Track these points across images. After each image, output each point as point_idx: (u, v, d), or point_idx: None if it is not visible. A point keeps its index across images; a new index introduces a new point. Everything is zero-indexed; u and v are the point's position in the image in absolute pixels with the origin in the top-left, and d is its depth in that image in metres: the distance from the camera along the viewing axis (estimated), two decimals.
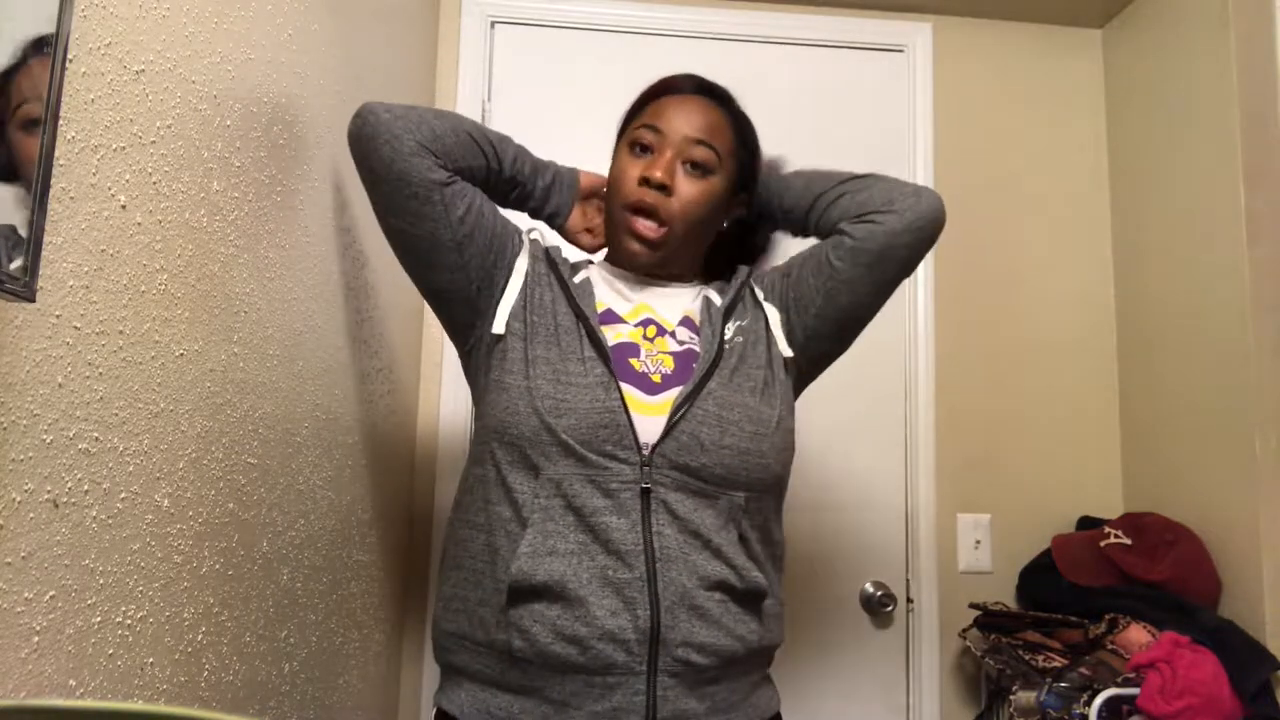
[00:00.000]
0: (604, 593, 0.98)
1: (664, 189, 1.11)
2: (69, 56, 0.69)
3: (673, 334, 1.16)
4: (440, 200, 1.09)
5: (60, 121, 0.66)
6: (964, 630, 1.99)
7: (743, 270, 1.25)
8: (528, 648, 0.99)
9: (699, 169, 1.14)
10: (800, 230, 1.28)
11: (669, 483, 1.03)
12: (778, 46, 2.26)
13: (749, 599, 1.06)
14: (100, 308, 0.76)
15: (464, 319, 1.18)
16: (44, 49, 0.61)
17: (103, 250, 0.76)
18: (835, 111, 2.23)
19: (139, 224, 0.82)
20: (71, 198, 0.71)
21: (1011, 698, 1.72)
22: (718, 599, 1.02)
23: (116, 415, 0.79)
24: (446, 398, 2.04)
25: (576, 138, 2.18)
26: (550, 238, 1.30)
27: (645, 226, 1.13)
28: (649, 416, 1.06)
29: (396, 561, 1.92)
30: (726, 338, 1.14)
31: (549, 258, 1.21)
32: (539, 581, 0.99)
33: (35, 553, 0.68)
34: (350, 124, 1.13)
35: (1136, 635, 1.68)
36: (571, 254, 1.28)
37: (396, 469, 1.88)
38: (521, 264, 1.17)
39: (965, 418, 2.17)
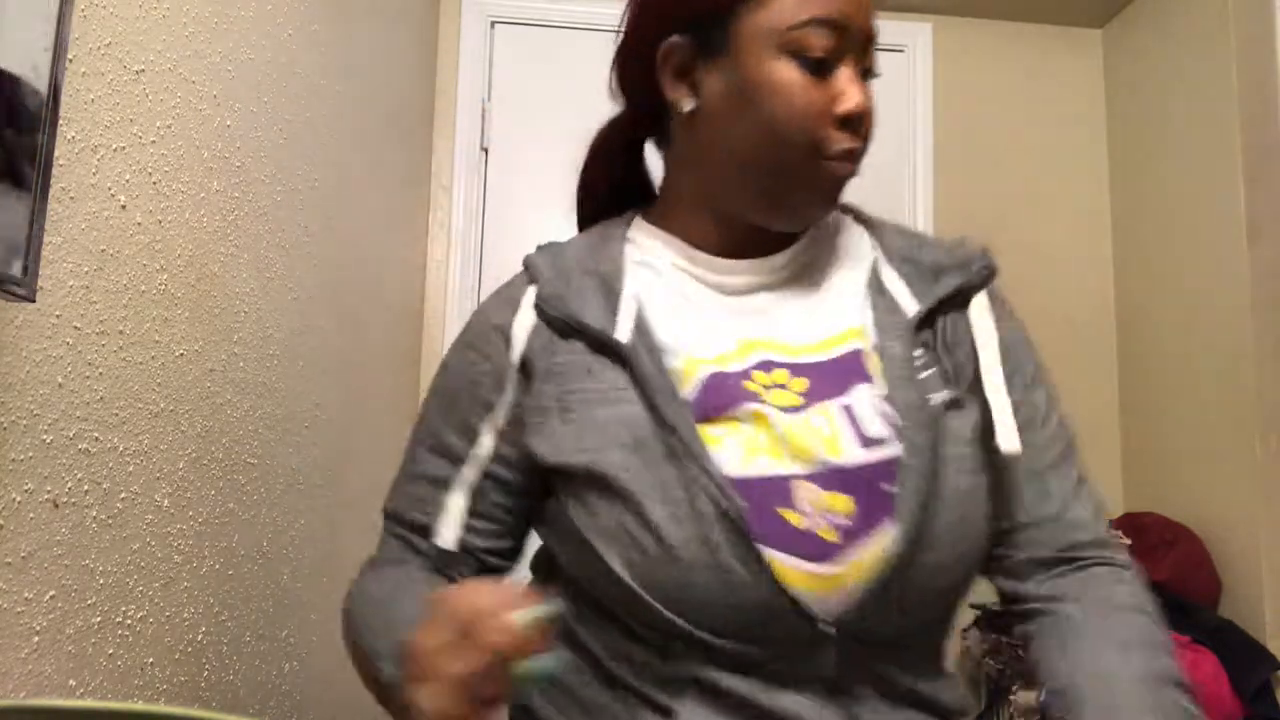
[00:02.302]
0: None
1: (861, 117, 0.70)
2: (69, 56, 0.69)
3: (841, 395, 0.69)
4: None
5: (60, 121, 0.66)
6: (964, 630, 1.99)
7: (978, 255, 0.78)
8: None
9: (869, 74, 0.74)
10: None
11: (865, 674, 0.67)
12: None
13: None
14: (100, 308, 0.76)
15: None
16: None
17: (103, 250, 0.76)
18: None
19: (139, 224, 0.82)
20: (71, 198, 0.71)
21: (1011, 698, 1.72)
22: None
23: (116, 415, 0.79)
24: None
25: (576, 138, 2.18)
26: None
27: (850, 170, 0.72)
28: (827, 594, 0.64)
29: None
30: (919, 375, 0.70)
31: (549, 321, 0.73)
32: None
33: (35, 553, 0.68)
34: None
35: None
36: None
37: (396, 469, 1.88)
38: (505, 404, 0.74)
39: None
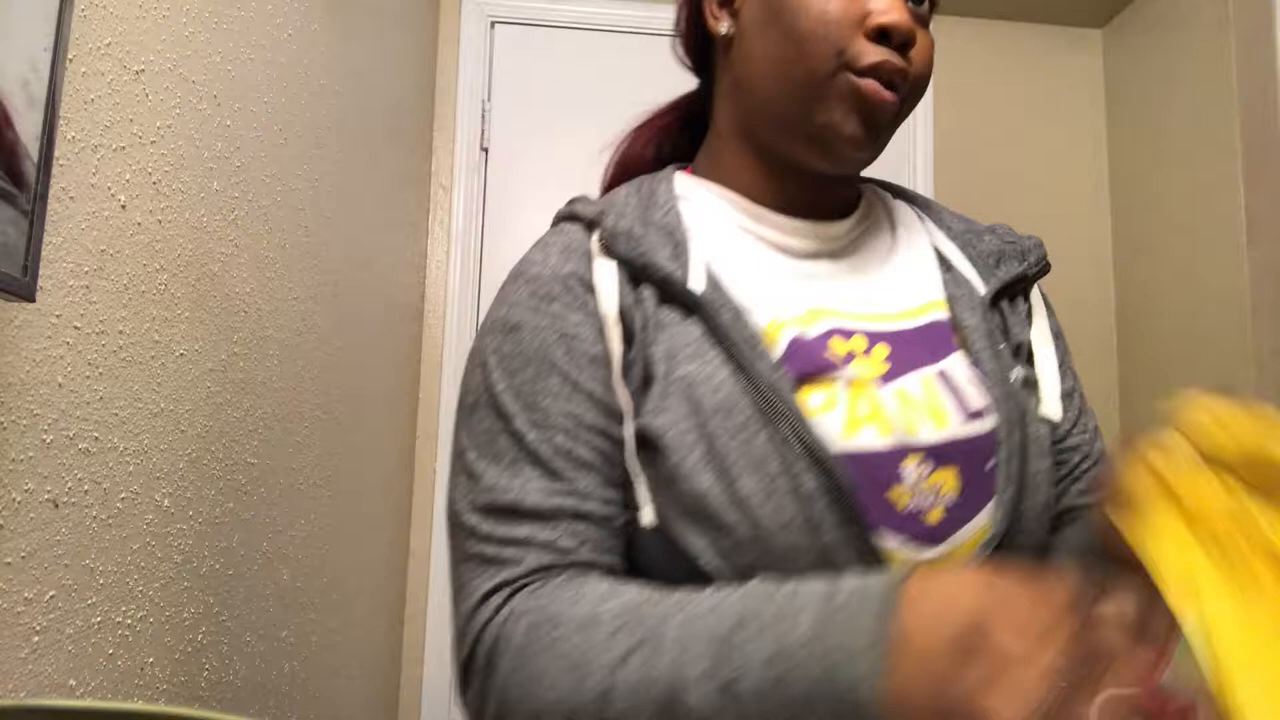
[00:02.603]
0: None
1: (905, 47, 0.64)
2: (69, 56, 0.69)
3: (936, 360, 0.65)
4: None
5: (60, 121, 0.66)
6: None
7: (1035, 245, 0.77)
8: None
9: (926, 6, 0.67)
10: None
11: None
12: None
13: None
14: (100, 308, 0.76)
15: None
16: None
17: (103, 250, 0.76)
18: None
19: (139, 224, 0.82)
20: (71, 198, 0.71)
21: None
22: None
23: (116, 415, 0.79)
24: (446, 397, 2.04)
25: (576, 138, 2.18)
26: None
27: (885, 94, 0.63)
28: None
29: (397, 561, 1.92)
30: (1007, 370, 0.66)
31: (627, 265, 0.65)
32: None
33: (35, 553, 0.68)
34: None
35: None
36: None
37: (396, 469, 1.88)
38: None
39: None
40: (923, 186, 2.22)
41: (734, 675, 0.48)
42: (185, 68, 0.90)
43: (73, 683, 0.73)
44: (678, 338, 0.61)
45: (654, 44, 2.22)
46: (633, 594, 0.55)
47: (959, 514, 0.60)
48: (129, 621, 0.82)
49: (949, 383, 0.63)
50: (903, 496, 0.59)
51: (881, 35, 0.63)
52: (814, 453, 0.57)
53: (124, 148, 0.79)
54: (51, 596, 0.70)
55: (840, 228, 0.70)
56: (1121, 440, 0.54)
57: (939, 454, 0.60)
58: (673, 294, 0.62)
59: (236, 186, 1.03)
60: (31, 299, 0.63)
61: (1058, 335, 0.76)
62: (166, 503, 0.88)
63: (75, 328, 0.73)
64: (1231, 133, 1.83)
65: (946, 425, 0.61)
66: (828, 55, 0.63)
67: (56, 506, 0.71)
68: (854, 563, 0.57)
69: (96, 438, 0.76)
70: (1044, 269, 0.76)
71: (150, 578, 0.85)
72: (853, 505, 0.57)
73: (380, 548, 1.76)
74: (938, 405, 0.62)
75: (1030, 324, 0.73)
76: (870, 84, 0.62)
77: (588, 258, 0.65)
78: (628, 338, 0.62)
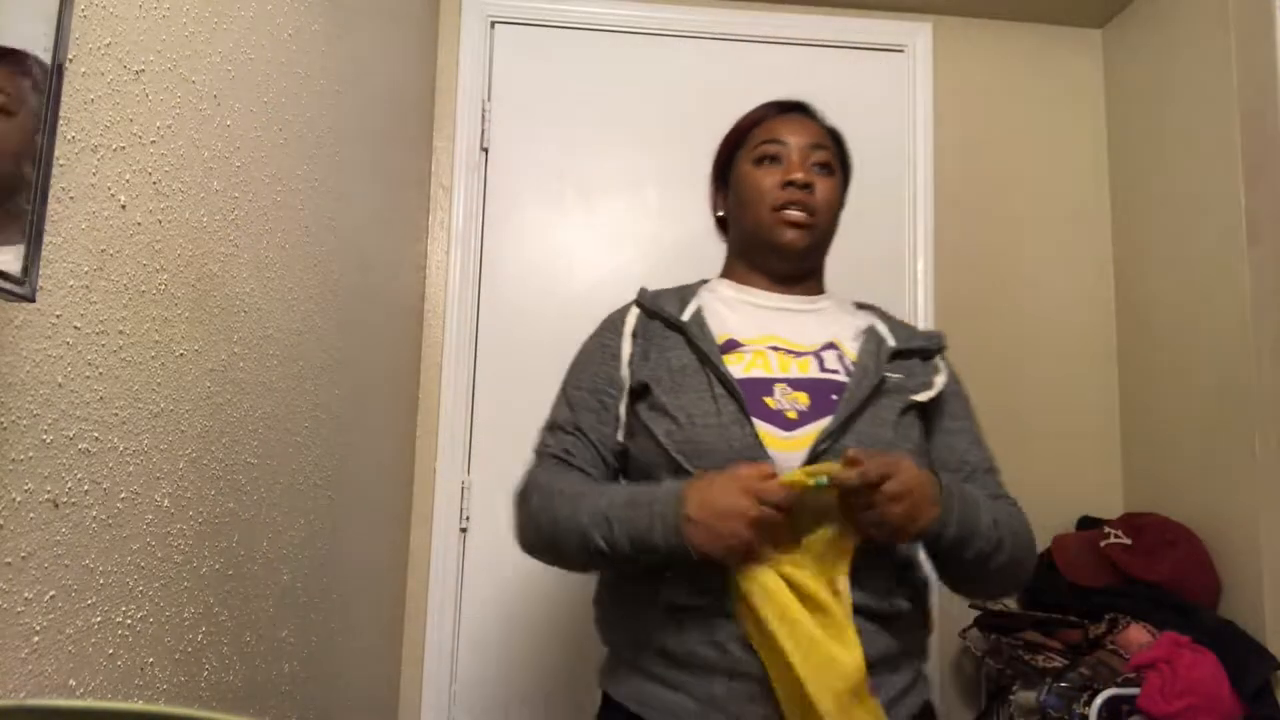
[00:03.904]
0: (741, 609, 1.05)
1: (808, 187, 1.19)
2: (69, 56, 0.69)
3: (816, 356, 1.16)
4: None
5: (60, 121, 0.66)
6: (964, 630, 1.99)
7: (938, 337, 1.25)
8: (678, 647, 1.07)
9: (825, 168, 1.23)
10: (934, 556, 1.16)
11: None
12: (778, 46, 2.26)
13: (886, 619, 1.08)
14: (100, 308, 0.76)
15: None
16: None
17: (103, 250, 0.76)
18: (835, 111, 2.20)
19: (139, 224, 0.82)
20: (71, 198, 0.71)
21: (1011, 698, 1.72)
22: (855, 620, 1.03)
23: (116, 415, 0.79)
24: (446, 397, 2.05)
25: (576, 138, 2.18)
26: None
27: (796, 214, 1.18)
28: (786, 452, 1.06)
29: (397, 561, 1.92)
30: (887, 378, 1.13)
31: (647, 314, 1.23)
32: (682, 603, 1.07)
33: (35, 553, 0.68)
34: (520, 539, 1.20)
35: (1136, 635, 1.68)
36: (684, 276, 1.32)
37: (396, 469, 1.88)
38: (626, 354, 1.20)
39: None
40: (923, 187, 2.22)
41: (614, 520, 1.05)
42: (185, 68, 0.90)
43: (73, 683, 0.73)
44: (667, 343, 1.18)
45: (654, 44, 2.22)
46: (584, 485, 1.14)
47: (806, 417, 1.10)
48: (129, 621, 0.82)
49: (820, 360, 1.16)
50: (772, 402, 1.11)
51: (790, 185, 1.19)
52: (724, 378, 1.10)
53: (124, 148, 0.79)
54: (51, 596, 0.70)
55: (794, 300, 1.24)
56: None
57: (796, 384, 1.13)
58: (670, 323, 1.19)
59: (236, 186, 1.03)
60: (31, 299, 0.63)
61: (955, 393, 1.23)
62: (166, 503, 0.88)
63: (75, 328, 0.73)
64: (1231, 133, 1.83)
65: (806, 372, 1.14)
66: (764, 206, 1.20)
67: (56, 506, 0.71)
68: (743, 438, 1.07)
69: (96, 438, 0.76)
70: (940, 347, 1.24)
71: (150, 578, 0.85)
72: (742, 405, 1.08)
73: (380, 548, 1.76)
74: (806, 365, 1.15)
75: (933, 376, 1.20)
76: (792, 215, 1.19)
77: (625, 313, 1.25)
78: (637, 344, 1.20)
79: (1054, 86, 2.32)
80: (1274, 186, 1.72)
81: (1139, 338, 2.15)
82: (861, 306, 1.28)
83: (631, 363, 1.18)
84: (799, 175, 1.18)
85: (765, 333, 1.18)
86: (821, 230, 1.22)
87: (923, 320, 2.18)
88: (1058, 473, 2.17)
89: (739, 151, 1.28)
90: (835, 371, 1.14)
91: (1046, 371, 2.22)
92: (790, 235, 1.19)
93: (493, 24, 2.19)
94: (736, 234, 1.27)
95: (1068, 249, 2.26)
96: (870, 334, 1.20)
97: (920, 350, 1.21)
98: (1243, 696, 1.56)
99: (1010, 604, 2.07)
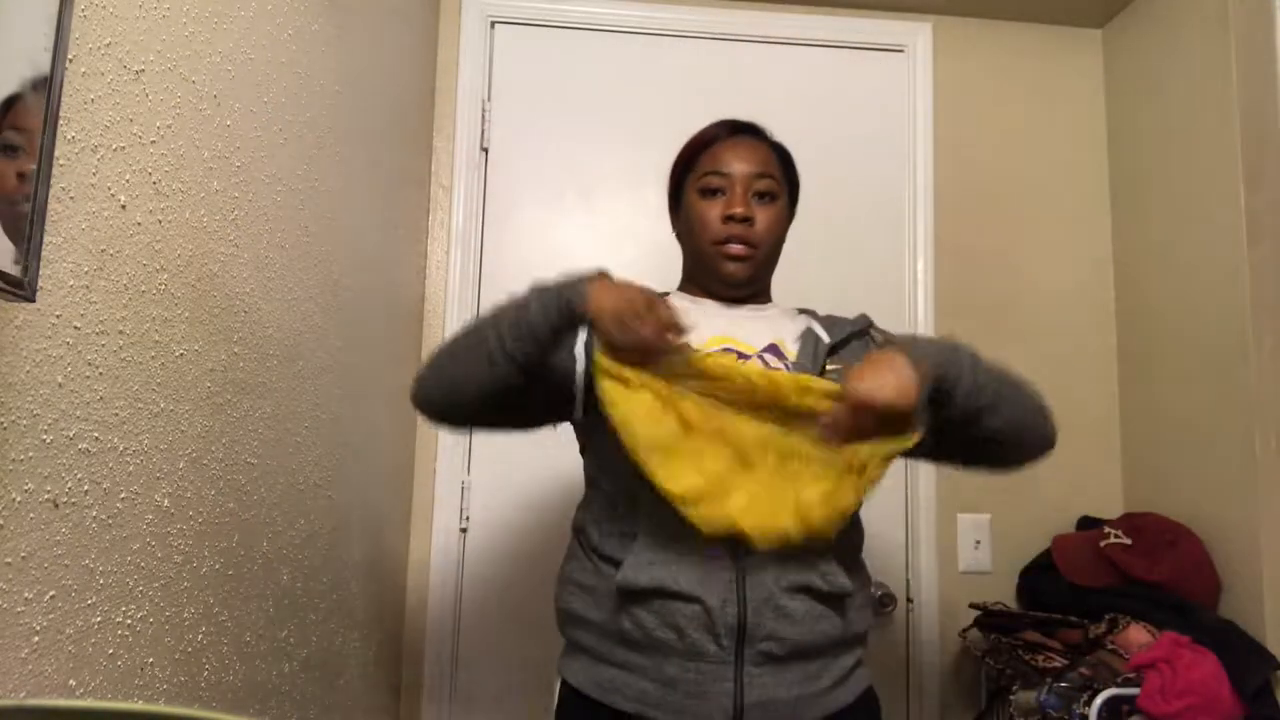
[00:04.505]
0: (698, 592, 1.12)
1: (748, 221, 1.27)
2: (69, 56, 0.69)
3: (760, 356, 1.25)
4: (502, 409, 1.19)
5: (60, 121, 0.66)
6: (964, 630, 1.99)
7: (863, 319, 1.34)
8: (635, 630, 1.14)
9: (767, 197, 1.30)
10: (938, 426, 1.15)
11: None
12: (778, 46, 2.26)
13: (832, 599, 1.16)
14: (100, 308, 0.76)
15: (559, 410, 1.24)
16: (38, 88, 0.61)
17: (103, 250, 0.76)
18: (835, 111, 2.23)
19: (139, 224, 0.82)
20: (71, 198, 0.71)
21: (1011, 698, 1.72)
22: (800, 599, 1.14)
23: (116, 415, 0.79)
24: None
25: (576, 138, 2.18)
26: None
27: (737, 248, 1.27)
28: None
29: (396, 561, 1.92)
30: (827, 370, 1.23)
31: None
32: (642, 585, 1.13)
33: (35, 553, 0.68)
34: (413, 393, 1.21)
35: (1136, 635, 1.68)
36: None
37: (396, 469, 1.88)
38: (579, 349, 1.20)
39: None
40: (922, 186, 2.22)
41: (514, 307, 1.11)
42: (185, 68, 0.90)
43: (73, 683, 0.73)
44: None
45: (654, 44, 2.22)
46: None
47: None
48: (129, 621, 0.82)
49: (763, 361, 1.23)
50: None
51: (730, 219, 1.27)
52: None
53: (124, 148, 0.79)
54: (51, 596, 0.70)
55: (742, 310, 1.33)
56: None
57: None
58: None
59: (236, 186, 1.03)
60: (31, 299, 0.63)
61: (887, 341, 1.30)
62: (166, 503, 0.88)
63: (75, 328, 0.73)
64: (1231, 133, 1.83)
65: (751, 353, 1.23)
66: (707, 238, 1.29)
67: (56, 506, 0.71)
68: None
69: (96, 438, 0.76)
70: (867, 325, 1.33)
71: (150, 578, 0.85)
72: None
73: (380, 548, 1.76)
74: (751, 364, 1.20)
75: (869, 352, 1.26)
76: (729, 248, 1.28)
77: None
78: None
79: (1054, 86, 2.32)
80: (1274, 186, 1.72)
81: (1139, 337, 2.15)
82: (802, 311, 1.37)
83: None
84: (739, 210, 1.26)
85: (717, 334, 1.27)
86: (762, 258, 1.30)
87: (923, 320, 2.18)
88: (1058, 473, 2.17)
89: (688, 176, 1.34)
90: (779, 370, 1.22)
91: (1046, 372, 2.20)
92: (731, 267, 1.28)
93: (493, 24, 2.19)
94: (686, 255, 1.36)
95: (1068, 249, 2.26)
96: (808, 335, 1.28)
97: (853, 335, 1.30)
98: (1243, 696, 1.56)
99: (1010, 604, 2.07)
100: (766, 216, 1.28)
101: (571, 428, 1.31)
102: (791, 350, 1.26)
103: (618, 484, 1.19)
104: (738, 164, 1.29)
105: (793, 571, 1.14)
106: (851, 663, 1.22)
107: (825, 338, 1.28)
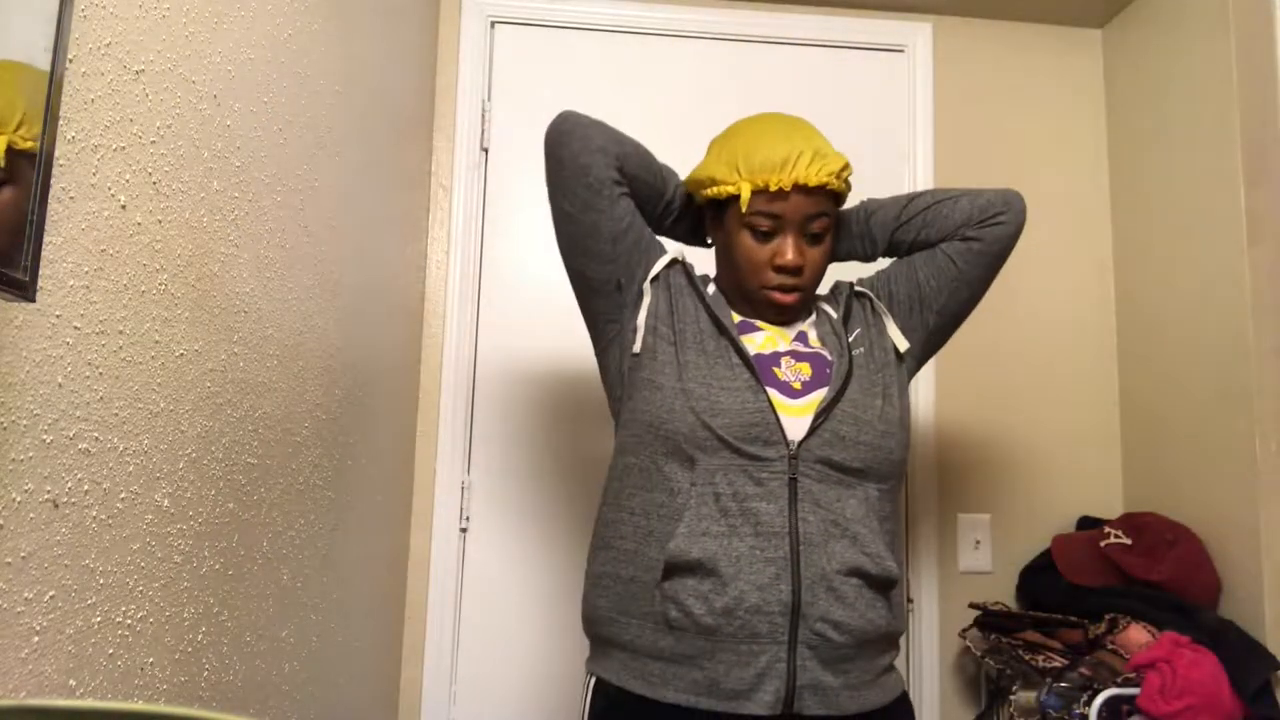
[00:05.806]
0: (751, 570, 1.11)
1: (798, 271, 1.23)
2: (69, 56, 0.69)
3: (797, 344, 1.28)
4: (609, 196, 1.23)
5: (60, 121, 0.66)
6: (964, 630, 1.99)
7: (844, 284, 1.36)
8: (682, 618, 1.12)
9: (819, 237, 1.25)
10: (888, 246, 1.37)
11: (814, 474, 1.16)
12: (778, 46, 2.26)
13: (881, 585, 1.17)
14: (100, 308, 0.76)
15: (606, 314, 1.29)
16: None
17: (103, 250, 0.76)
18: (835, 111, 2.23)
19: (139, 224, 0.82)
20: (71, 198, 0.71)
21: (1011, 698, 1.72)
22: (854, 583, 1.14)
23: (116, 415, 0.79)
24: (446, 397, 2.04)
25: None
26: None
27: (784, 297, 1.25)
28: (794, 417, 1.18)
29: (397, 561, 1.92)
30: (851, 343, 1.27)
31: (687, 273, 1.31)
32: (694, 559, 1.12)
33: (35, 553, 0.68)
34: (551, 123, 1.28)
35: (1136, 635, 1.68)
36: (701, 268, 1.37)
37: (396, 469, 1.88)
38: (659, 269, 1.28)
39: (965, 418, 2.17)
40: (923, 185, 2.22)
41: (676, 182, 1.37)
42: (185, 68, 0.90)
43: (73, 683, 0.73)
44: (687, 303, 1.28)
45: (654, 44, 2.22)
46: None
47: (809, 386, 1.22)
48: (129, 621, 0.82)
49: (807, 342, 1.28)
50: (780, 373, 1.23)
51: (781, 269, 1.23)
52: (741, 351, 1.21)
53: (124, 148, 0.79)
54: (51, 596, 0.70)
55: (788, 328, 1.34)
56: None
57: (799, 356, 1.25)
58: (698, 293, 1.29)
59: (236, 186, 1.03)
60: (31, 299, 0.63)
61: (886, 296, 1.36)
62: (166, 503, 0.88)
63: (75, 328, 0.73)
64: (1231, 133, 1.83)
65: (809, 347, 1.26)
66: (753, 283, 1.26)
67: (56, 506, 0.71)
68: (753, 400, 1.17)
69: (96, 438, 0.76)
70: (852, 285, 1.37)
71: (150, 578, 0.85)
72: (756, 375, 1.20)
73: (380, 548, 1.76)
74: (797, 346, 1.27)
75: (874, 310, 1.34)
76: (775, 295, 1.25)
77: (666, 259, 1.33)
78: (662, 280, 1.29)
79: (1054, 86, 2.32)
80: (1274, 186, 1.72)
81: (1139, 338, 2.15)
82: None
83: (655, 281, 1.27)
84: (790, 260, 1.22)
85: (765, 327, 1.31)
86: (809, 289, 1.27)
87: None
88: (1058, 472, 2.17)
89: (731, 205, 1.24)
90: (821, 347, 1.29)
91: (1046, 371, 2.22)
92: (778, 306, 1.26)
93: (493, 24, 2.19)
94: (723, 269, 1.32)
95: (1068, 249, 2.26)
96: (819, 315, 1.33)
97: (850, 306, 1.34)
98: (1243, 696, 1.56)
99: (1010, 604, 2.07)
100: (816, 255, 1.24)
101: (606, 397, 1.34)
102: (814, 335, 1.30)
103: (670, 445, 1.17)
104: (790, 209, 1.21)
105: (845, 551, 1.14)
106: (888, 663, 1.23)
107: (831, 312, 1.32)
